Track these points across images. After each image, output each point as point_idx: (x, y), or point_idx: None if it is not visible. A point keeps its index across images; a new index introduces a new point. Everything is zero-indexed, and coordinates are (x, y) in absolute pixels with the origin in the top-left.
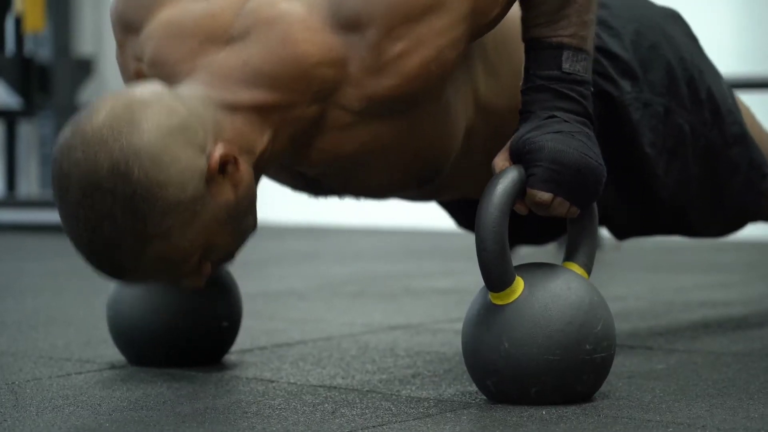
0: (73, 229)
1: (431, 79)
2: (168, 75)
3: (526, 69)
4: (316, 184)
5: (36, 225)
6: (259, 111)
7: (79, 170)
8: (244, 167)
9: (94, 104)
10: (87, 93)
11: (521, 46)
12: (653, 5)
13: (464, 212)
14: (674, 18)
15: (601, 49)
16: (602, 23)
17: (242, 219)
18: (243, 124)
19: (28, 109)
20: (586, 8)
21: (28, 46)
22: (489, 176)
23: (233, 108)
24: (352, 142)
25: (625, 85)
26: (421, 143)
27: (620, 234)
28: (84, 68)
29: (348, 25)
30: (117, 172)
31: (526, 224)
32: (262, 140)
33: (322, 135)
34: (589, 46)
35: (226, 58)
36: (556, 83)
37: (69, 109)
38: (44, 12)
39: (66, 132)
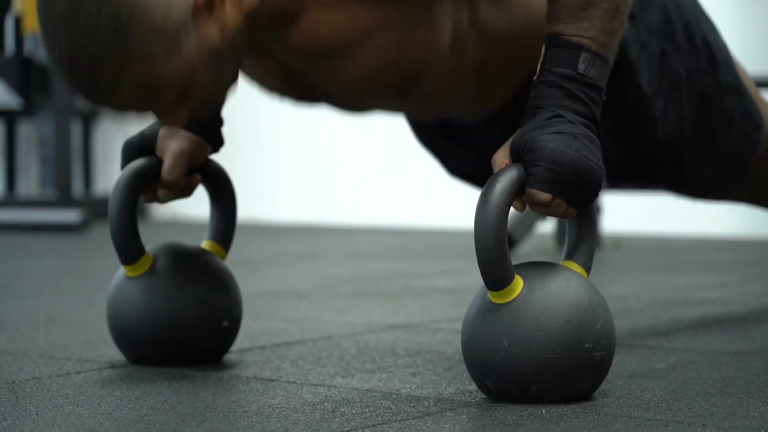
0: (55, 48)
1: None
2: None
3: (542, 64)
4: (299, 81)
5: (36, 225)
6: None
7: None
8: (232, 13)
9: None
10: None
11: None
12: None
13: (454, 156)
14: None
15: None
16: None
17: (224, 66)
18: None
19: (28, 109)
20: (612, 16)
21: (28, 46)
22: (475, 103)
23: None
24: (333, 23)
25: None
26: (400, 37)
27: (614, 181)
28: None
29: None
30: None
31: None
32: None
33: (305, 11)
34: (609, 54)
35: None
36: (567, 82)
37: (68, 109)
38: None
39: None
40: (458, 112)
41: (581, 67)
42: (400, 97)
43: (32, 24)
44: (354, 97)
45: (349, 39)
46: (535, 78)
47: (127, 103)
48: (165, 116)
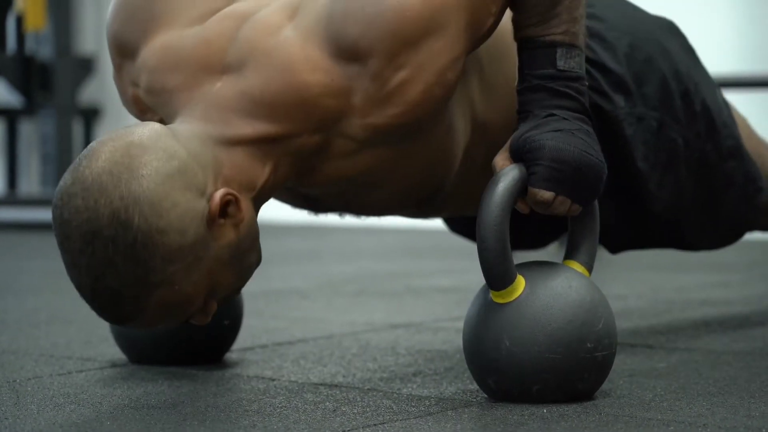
0: (75, 277)
1: (436, 102)
2: (165, 104)
3: (521, 69)
4: (316, 203)
5: (37, 223)
6: (260, 143)
7: (79, 218)
8: (245, 205)
9: (93, 148)
10: (88, 91)
11: (514, 60)
12: (650, 17)
13: (456, 218)
14: (671, 30)
15: (595, 63)
16: (597, 36)
17: (245, 257)
18: (243, 158)
19: (29, 108)
20: (576, 4)
21: (29, 45)
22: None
23: (232, 142)
24: (355, 166)
25: (619, 99)
26: (424, 163)
27: (613, 248)
28: (85, 67)
29: (348, 54)
30: (117, 221)
31: (525, 228)
32: (263, 173)
33: (325, 162)
34: (581, 41)
35: (223, 89)
36: (551, 82)
37: (70, 107)
38: (45, 11)
39: (66, 178)
40: (469, 208)
41: (560, 63)
42: (420, 207)
43: (33, 22)
44: (376, 212)
45: (373, 173)
46: (517, 85)
47: (153, 322)
48: (195, 318)
